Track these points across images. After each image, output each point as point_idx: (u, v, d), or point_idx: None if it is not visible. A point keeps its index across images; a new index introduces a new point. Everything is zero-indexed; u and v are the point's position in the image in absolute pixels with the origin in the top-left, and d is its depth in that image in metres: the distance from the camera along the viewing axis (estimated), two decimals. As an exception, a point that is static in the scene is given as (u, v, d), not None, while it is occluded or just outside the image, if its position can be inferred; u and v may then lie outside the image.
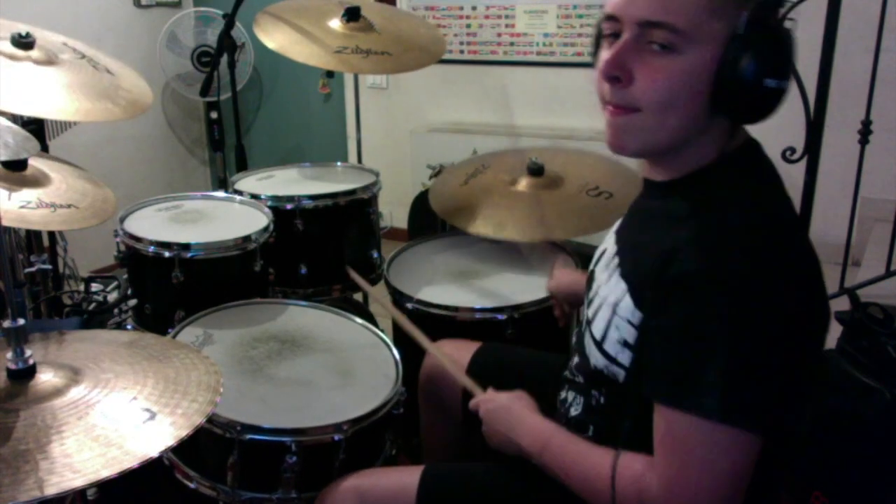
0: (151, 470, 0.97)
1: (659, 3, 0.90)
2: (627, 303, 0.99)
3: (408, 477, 1.20)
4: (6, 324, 1.03)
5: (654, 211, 1.03)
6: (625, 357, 1.01)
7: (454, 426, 1.54)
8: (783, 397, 0.89)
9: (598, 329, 1.05)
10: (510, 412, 1.16)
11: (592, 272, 1.16)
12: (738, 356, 0.86)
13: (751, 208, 0.93)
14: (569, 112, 3.54)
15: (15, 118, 1.89)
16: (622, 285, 1.02)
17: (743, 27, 0.89)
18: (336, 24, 2.26)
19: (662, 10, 0.89)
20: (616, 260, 1.07)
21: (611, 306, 1.03)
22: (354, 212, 2.20)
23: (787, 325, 0.88)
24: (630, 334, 0.99)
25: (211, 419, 1.28)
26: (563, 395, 1.21)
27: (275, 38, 2.18)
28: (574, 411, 1.16)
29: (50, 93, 1.71)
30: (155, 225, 1.93)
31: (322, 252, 2.16)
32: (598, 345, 1.05)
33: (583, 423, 1.13)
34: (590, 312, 1.09)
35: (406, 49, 2.27)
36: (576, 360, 1.17)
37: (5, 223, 1.25)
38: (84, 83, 1.78)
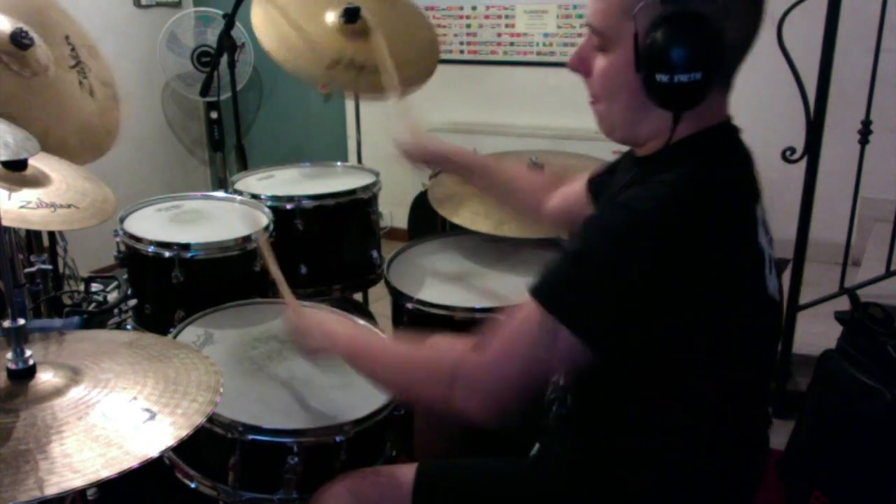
0: (152, 470, 0.97)
1: (589, 9, 1.03)
2: None
3: (402, 475, 1.20)
4: (6, 324, 1.03)
5: (624, 181, 1.10)
6: None
7: (450, 426, 1.54)
8: (625, 322, 0.93)
9: None
10: (324, 324, 1.30)
11: None
12: (582, 263, 0.95)
13: (690, 172, 0.98)
14: (569, 112, 3.54)
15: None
16: None
17: (644, 28, 0.94)
18: (332, 18, 2.25)
19: (589, 15, 1.03)
20: None
21: None
22: (354, 212, 2.20)
23: (668, 265, 0.92)
24: None
25: (213, 419, 1.29)
26: (549, 398, 1.22)
27: (271, 33, 2.18)
28: (555, 409, 1.18)
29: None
30: (155, 225, 1.93)
31: (322, 252, 2.16)
32: None
33: (565, 419, 1.15)
34: None
35: (398, 64, 2.26)
36: None
37: (5, 223, 1.24)
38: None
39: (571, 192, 1.45)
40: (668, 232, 0.92)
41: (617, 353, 0.95)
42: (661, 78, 0.93)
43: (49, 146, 1.71)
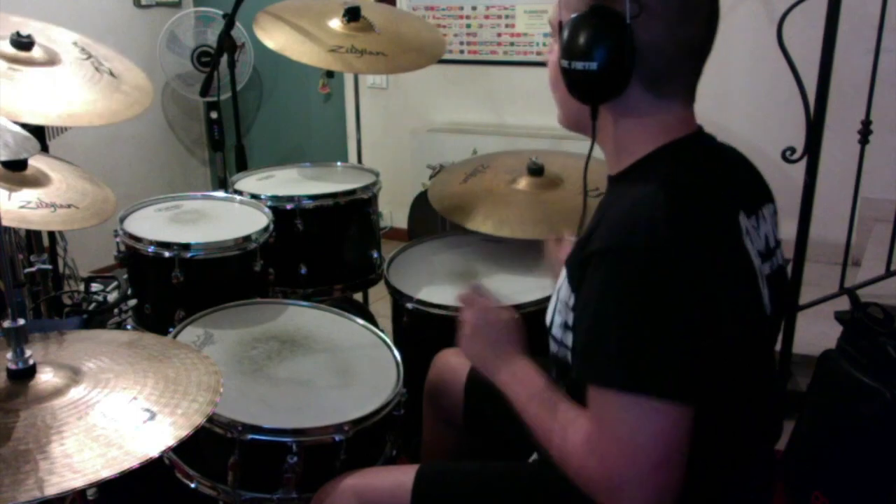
0: (152, 470, 0.97)
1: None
2: (565, 286, 1.03)
3: (403, 476, 1.21)
4: (6, 324, 1.03)
5: (602, 203, 1.09)
6: (569, 339, 1.04)
7: (456, 436, 1.55)
8: (699, 363, 0.89)
9: (549, 315, 1.10)
10: (500, 341, 1.15)
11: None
12: (635, 325, 0.88)
13: (660, 188, 0.95)
14: (569, 112, 3.54)
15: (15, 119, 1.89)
16: (564, 272, 1.07)
17: (566, 18, 0.99)
18: (336, 23, 2.27)
19: (550, 8, 1.07)
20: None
21: (556, 292, 1.08)
22: (354, 212, 2.20)
23: (678, 295, 0.89)
24: (570, 317, 1.03)
25: (212, 419, 1.29)
26: None
27: (274, 37, 2.19)
28: None
29: (46, 99, 1.71)
30: (155, 225, 1.93)
31: (322, 252, 2.16)
32: (549, 330, 1.09)
33: None
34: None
35: (403, 50, 2.27)
36: None
37: (5, 223, 1.24)
38: (82, 87, 1.78)
39: None
40: (661, 270, 0.89)
41: (701, 396, 0.89)
42: (563, 63, 0.98)
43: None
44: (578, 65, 0.96)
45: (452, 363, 1.54)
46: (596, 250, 0.94)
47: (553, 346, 1.09)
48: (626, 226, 0.93)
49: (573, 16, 0.97)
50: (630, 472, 0.89)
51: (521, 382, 1.08)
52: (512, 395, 1.08)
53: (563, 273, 1.06)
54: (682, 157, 1.01)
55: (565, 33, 0.98)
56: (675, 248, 0.90)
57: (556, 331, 1.07)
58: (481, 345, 1.16)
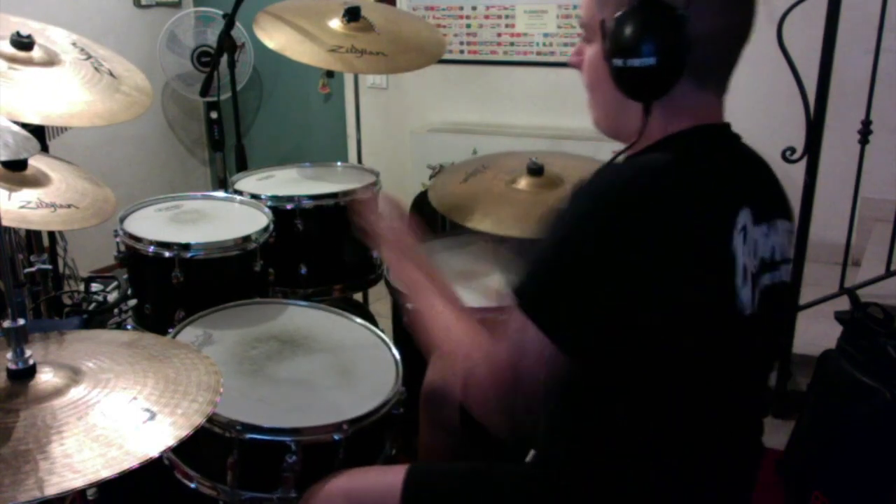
0: (151, 470, 0.97)
1: (582, 4, 1.06)
2: None
3: (393, 476, 1.20)
4: (6, 324, 1.03)
5: None
6: None
7: (453, 441, 1.53)
8: (593, 320, 0.92)
9: None
10: (402, 246, 1.28)
11: None
12: (550, 257, 0.95)
13: (661, 156, 0.97)
14: (569, 112, 3.54)
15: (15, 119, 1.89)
16: None
17: (609, 15, 0.96)
18: (336, 23, 2.27)
19: (581, 9, 1.06)
20: None
21: None
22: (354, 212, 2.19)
23: (591, 240, 0.92)
24: None
25: (211, 419, 1.28)
26: None
27: (274, 37, 2.19)
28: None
29: (46, 99, 1.71)
30: (155, 225, 1.93)
31: (322, 252, 2.16)
32: None
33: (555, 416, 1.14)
34: None
35: (402, 50, 2.27)
36: None
37: (5, 223, 1.24)
38: (82, 88, 1.78)
39: None
40: (619, 212, 0.91)
41: (579, 351, 0.94)
42: (617, 62, 0.95)
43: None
44: (635, 62, 0.93)
45: (449, 367, 1.52)
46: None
47: None
48: (612, 173, 0.96)
49: (619, 13, 0.95)
50: (481, 371, 0.98)
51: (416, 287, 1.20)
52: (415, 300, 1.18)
53: None
54: (698, 137, 1.01)
55: (614, 31, 0.95)
56: (638, 208, 0.91)
57: None
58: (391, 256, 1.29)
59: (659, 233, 0.90)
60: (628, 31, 0.94)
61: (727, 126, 1.04)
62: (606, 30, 0.97)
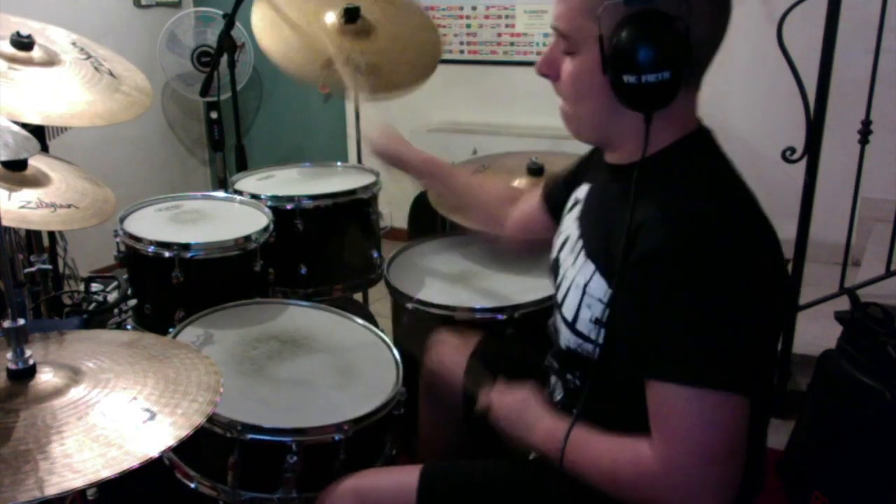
0: (152, 470, 0.96)
1: (556, 12, 1.03)
2: (598, 281, 1.04)
3: (407, 476, 1.20)
4: (6, 324, 1.03)
5: (615, 192, 1.08)
6: (597, 334, 1.05)
7: (454, 427, 1.53)
8: (755, 356, 0.93)
9: (568, 310, 1.09)
10: (525, 412, 1.14)
11: (557, 259, 1.20)
12: (710, 322, 0.90)
13: (708, 185, 0.98)
14: (569, 112, 3.54)
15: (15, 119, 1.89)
16: (590, 266, 1.06)
17: (609, 29, 0.95)
18: (332, 19, 2.25)
19: (555, 18, 1.03)
20: (580, 243, 1.12)
21: (580, 287, 1.07)
22: (354, 212, 2.20)
23: (746, 290, 0.92)
24: (602, 312, 1.03)
25: (212, 419, 1.28)
26: (550, 383, 1.23)
27: (271, 35, 2.18)
28: (557, 396, 1.19)
29: (46, 99, 1.71)
30: (155, 225, 1.93)
31: (322, 252, 2.16)
32: (570, 325, 1.09)
33: (566, 406, 1.14)
34: (559, 296, 1.14)
35: (397, 62, 2.25)
36: (553, 347, 1.22)
37: (5, 223, 1.24)
38: (82, 88, 1.78)
39: (528, 208, 1.45)
40: (743, 254, 0.92)
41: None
42: (629, 79, 0.93)
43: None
44: (650, 78, 0.92)
45: (449, 354, 1.50)
46: (656, 248, 0.93)
47: (571, 341, 1.09)
48: (682, 223, 0.93)
49: (624, 28, 0.92)
50: (702, 464, 0.91)
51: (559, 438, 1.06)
52: (558, 456, 1.06)
53: (590, 268, 1.06)
54: (709, 150, 1.03)
55: (620, 47, 0.93)
56: (742, 248, 0.92)
57: (584, 326, 1.06)
58: (511, 429, 1.14)
59: (766, 253, 0.95)
60: (639, 47, 0.92)
61: (702, 122, 1.07)
62: (607, 45, 0.95)
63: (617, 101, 0.97)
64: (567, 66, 1.04)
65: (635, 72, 0.93)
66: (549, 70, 1.06)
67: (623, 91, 0.95)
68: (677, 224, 0.94)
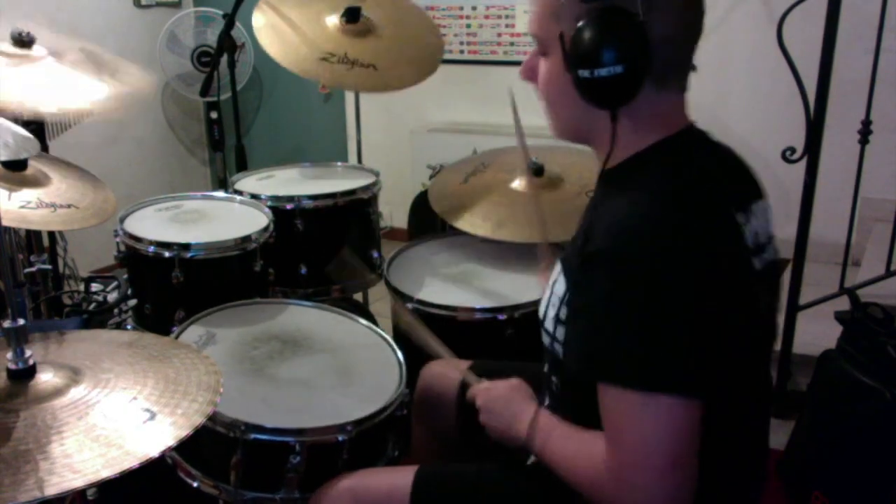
0: (153, 469, 0.97)
1: (529, 17, 1.05)
2: (561, 281, 1.05)
3: (401, 477, 1.20)
4: (6, 324, 1.03)
5: (598, 194, 1.09)
6: (560, 333, 1.05)
7: (447, 448, 1.51)
8: (708, 357, 0.90)
9: (541, 309, 1.11)
10: (510, 403, 1.17)
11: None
12: (648, 324, 0.89)
13: (665, 186, 0.96)
14: (569, 112, 3.55)
15: (16, 118, 1.89)
16: (559, 266, 1.08)
17: (568, 27, 0.96)
18: (333, 20, 2.25)
19: (529, 22, 1.06)
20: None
21: (550, 286, 1.09)
22: (354, 212, 2.20)
23: (686, 291, 0.90)
24: (563, 311, 1.03)
25: (215, 418, 1.29)
26: (542, 388, 1.23)
27: (268, 34, 2.18)
28: (546, 401, 1.19)
29: (46, 96, 1.71)
30: (155, 225, 1.93)
31: (322, 252, 2.16)
32: (542, 323, 1.10)
33: (553, 409, 1.14)
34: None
35: (396, 63, 2.25)
36: None
37: (5, 223, 1.24)
38: (82, 87, 1.78)
39: None
40: (680, 253, 0.90)
41: (713, 388, 0.91)
42: (583, 73, 0.94)
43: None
44: (603, 72, 0.93)
45: (442, 375, 1.49)
46: (597, 251, 0.94)
47: (545, 339, 1.11)
48: (628, 227, 0.93)
49: (580, 24, 0.94)
50: (648, 475, 0.89)
51: (542, 430, 1.09)
52: (537, 447, 1.09)
53: (558, 268, 1.07)
54: (680, 155, 1.01)
55: (576, 43, 0.94)
56: (678, 250, 0.90)
57: (549, 324, 1.08)
58: (496, 420, 1.17)
59: (703, 270, 0.91)
60: (592, 41, 0.93)
61: (693, 126, 1.05)
62: (567, 42, 0.96)
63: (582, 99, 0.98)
64: (542, 68, 1.06)
65: (587, 66, 0.94)
66: (529, 74, 1.09)
67: (581, 86, 0.96)
68: (616, 226, 0.94)
